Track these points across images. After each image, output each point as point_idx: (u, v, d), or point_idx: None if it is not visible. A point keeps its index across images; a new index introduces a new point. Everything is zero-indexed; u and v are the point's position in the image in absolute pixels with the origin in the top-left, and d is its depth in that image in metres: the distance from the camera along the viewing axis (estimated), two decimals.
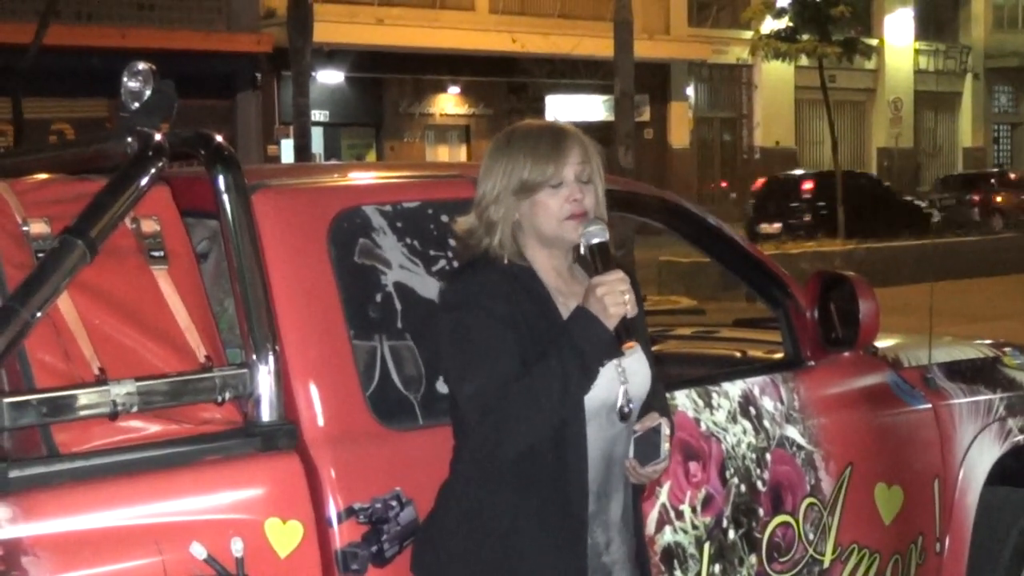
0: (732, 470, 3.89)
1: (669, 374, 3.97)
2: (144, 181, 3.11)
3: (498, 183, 3.04)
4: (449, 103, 31.70)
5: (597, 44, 24.59)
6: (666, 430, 3.05)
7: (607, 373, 2.99)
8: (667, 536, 3.72)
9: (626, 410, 3.04)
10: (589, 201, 3.04)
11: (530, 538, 2.98)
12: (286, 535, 3.01)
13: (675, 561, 3.74)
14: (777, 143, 37.56)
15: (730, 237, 4.31)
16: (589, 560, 3.06)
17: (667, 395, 3.50)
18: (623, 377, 3.04)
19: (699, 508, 3.80)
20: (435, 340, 3.12)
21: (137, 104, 3.28)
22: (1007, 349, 5.12)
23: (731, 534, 3.87)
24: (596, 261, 2.98)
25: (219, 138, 3.23)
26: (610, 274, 2.93)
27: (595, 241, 2.99)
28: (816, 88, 29.69)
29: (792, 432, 4.07)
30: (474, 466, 3.02)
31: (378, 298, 3.33)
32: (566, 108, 31.67)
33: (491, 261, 3.05)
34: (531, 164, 3.01)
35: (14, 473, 2.78)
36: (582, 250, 3.03)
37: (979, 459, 4.60)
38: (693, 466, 3.80)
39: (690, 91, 35.96)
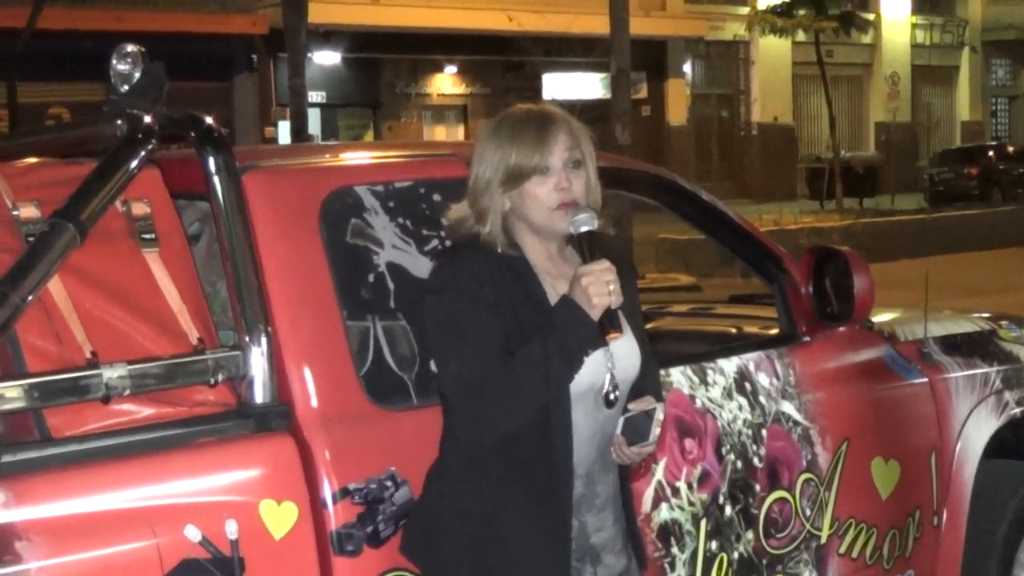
0: (728, 446, 3.88)
1: (664, 351, 3.97)
2: (134, 164, 3.10)
3: (487, 172, 3.02)
4: (446, 83, 31.65)
5: (593, 21, 24.50)
6: (660, 415, 3.03)
7: (594, 357, 2.97)
8: (663, 513, 3.71)
9: (612, 396, 3.03)
10: (578, 188, 3.01)
11: (515, 521, 2.97)
12: (281, 517, 3.01)
13: (672, 538, 3.73)
14: (775, 119, 37.49)
15: (724, 214, 4.30)
16: (577, 542, 3.05)
17: (662, 372, 3.49)
18: (611, 362, 3.02)
19: (695, 485, 3.79)
20: (422, 322, 3.11)
21: (127, 86, 3.27)
22: (1003, 322, 5.12)
23: (728, 510, 3.87)
24: (584, 250, 2.96)
25: (209, 119, 3.22)
26: (596, 264, 2.91)
27: (583, 229, 2.97)
28: (813, 63, 29.69)
29: (788, 408, 4.07)
30: (460, 448, 3.02)
31: (370, 278, 3.32)
32: (563, 86, 31.61)
33: (481, 246, 3.03)
34: (516, 152, 2.99)
35: (7, 457, 2.79)
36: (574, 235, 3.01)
37: (976, 432, 4.59)
38: (689, 443, 3.79)
39: (687, 68, 35.86)
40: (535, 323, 2.93)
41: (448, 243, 3.34)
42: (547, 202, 3.00)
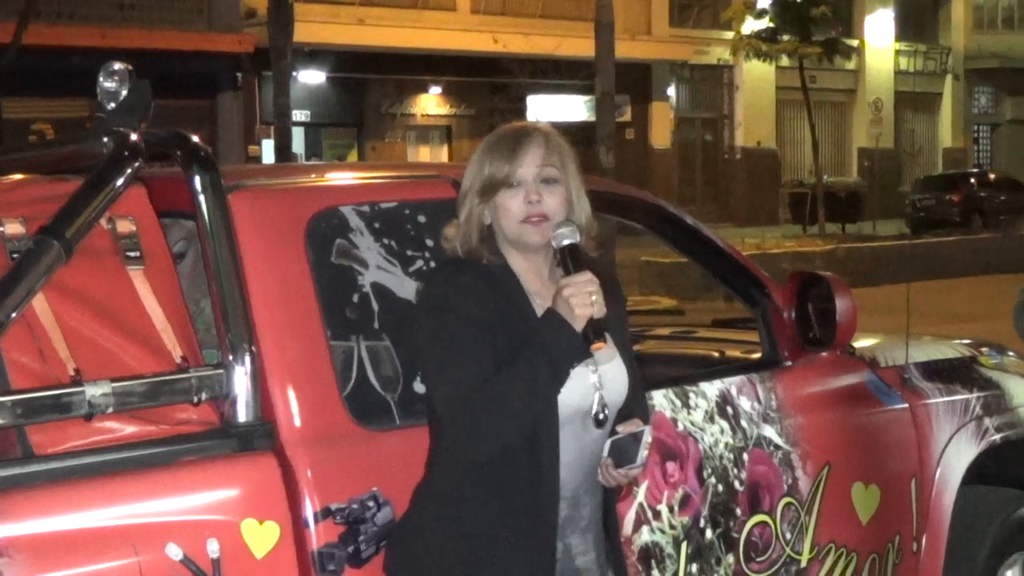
0: (709, 470, 3.89)
1: (647, 374, 3.98)
2: (120, 181, 3.10)
3: (466, 183, 3.08)
4: (431, 103, 31.67)
5: (579, 44, 24.60)
6: (648, 437, 3.04)
7: (584, 379, 2.98)
8: (644, 536, 3.72)
9: (601, 417, 3.03)
10: (551, 203, 3.03)
11: (501, 541, 2.98)
12: (263, 536, 3.01)
13: (652, 561, 3.74)
14: (759, 143, 37.61)
15: (708, 238, 4.32)
16: (562, 564, 3.06)
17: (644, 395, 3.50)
18: (599, 383, 3.04)
19: (676, 508, 3.80)
20: (412, 340, 3.12)
21: (113, 104, 3.27)
22: (984, 349, 5.14)
23: (708, 534, 3.88)
24: (566, 263, 2.98)
25: (195, 138, 3.23)
26: (578, 275, 2.92)
27: (565, 243, 3.00)
28: (797, 88, 29.76)
29: (769, 432, 4.08)
30: (449, 467, 3.02)
31: (355, 298, 3.33)
32: (548, 108, 31.66)
33: (469, 261, 3.05)
34: (490, 163, 3.04)
35: None
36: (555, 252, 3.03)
37: (956, 458, 4.61)
38: (670, 466, 3.80)
39: (671, 91, 35.96)
40: (522, 336, 2.94)
41: (435, 262, 3.36)
42: (517, 214, 3.03)
